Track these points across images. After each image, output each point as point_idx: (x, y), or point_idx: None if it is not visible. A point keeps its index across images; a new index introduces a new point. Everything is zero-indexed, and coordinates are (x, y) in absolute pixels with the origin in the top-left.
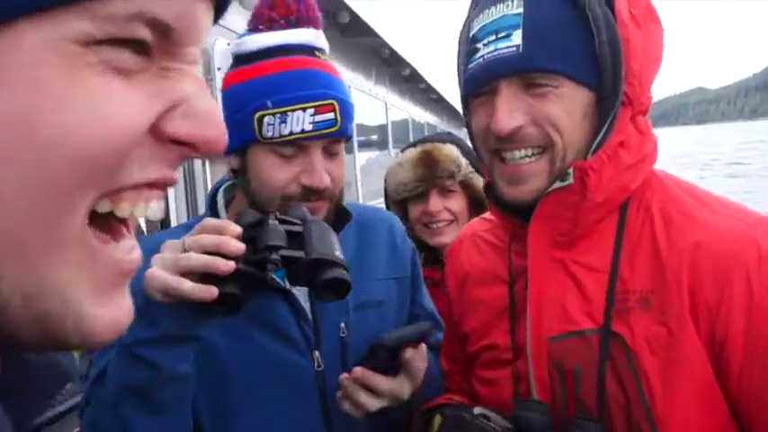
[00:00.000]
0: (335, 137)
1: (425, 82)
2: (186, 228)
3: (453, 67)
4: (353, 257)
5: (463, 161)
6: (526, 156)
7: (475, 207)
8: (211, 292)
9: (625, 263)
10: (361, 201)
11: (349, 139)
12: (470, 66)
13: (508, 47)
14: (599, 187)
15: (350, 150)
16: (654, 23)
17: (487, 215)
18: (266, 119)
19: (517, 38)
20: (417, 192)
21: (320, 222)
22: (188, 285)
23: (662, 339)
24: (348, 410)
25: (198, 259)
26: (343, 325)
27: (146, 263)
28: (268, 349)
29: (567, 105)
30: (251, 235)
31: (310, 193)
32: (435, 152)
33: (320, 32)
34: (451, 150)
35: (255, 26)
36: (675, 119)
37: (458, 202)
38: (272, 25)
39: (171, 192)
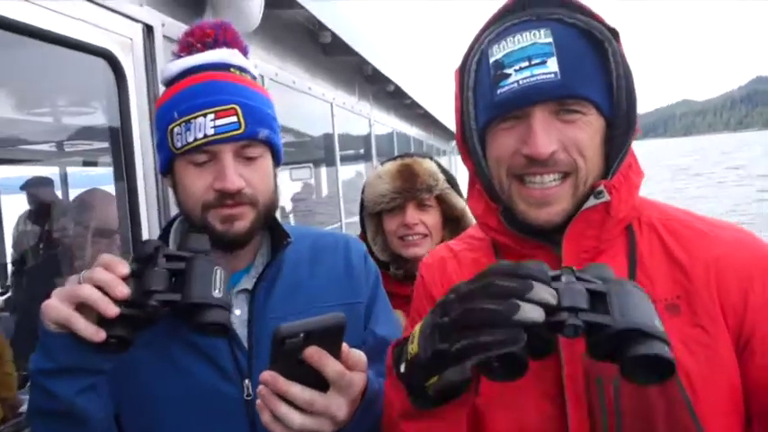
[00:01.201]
0: (242, 140)
1: (410, 98)
2: None
3: (436, 82)
4: (301, 285)
5: (441, 176)
6: (554, 180)
7: (448, 223)
8: (100, 335)
9: (642, 275)
10: (343, 221)
11: (269, 144)
12: (501, 91)
13: (545, 73)
14: (620, 204)
15: (332, 163)
16: None
17: (455, 242)
18: (175, 130)
19: (553, 65)
20: (395, 204)
21: (206, 258)
22: (80, 322)
23: (699, 339)
24: (269, 426)
25: (89, 294)
26: None
27: None
28: (197, 377)
29: (591, 132)
30: (141, 270)
31: (224, 198)
32: (415, 166)
33: (235, 51)
34: (430, 165)
35: (178, 54)
36: (663, 130)
37: (433, 217)
38: (190, 50)
39: (145, 222)
